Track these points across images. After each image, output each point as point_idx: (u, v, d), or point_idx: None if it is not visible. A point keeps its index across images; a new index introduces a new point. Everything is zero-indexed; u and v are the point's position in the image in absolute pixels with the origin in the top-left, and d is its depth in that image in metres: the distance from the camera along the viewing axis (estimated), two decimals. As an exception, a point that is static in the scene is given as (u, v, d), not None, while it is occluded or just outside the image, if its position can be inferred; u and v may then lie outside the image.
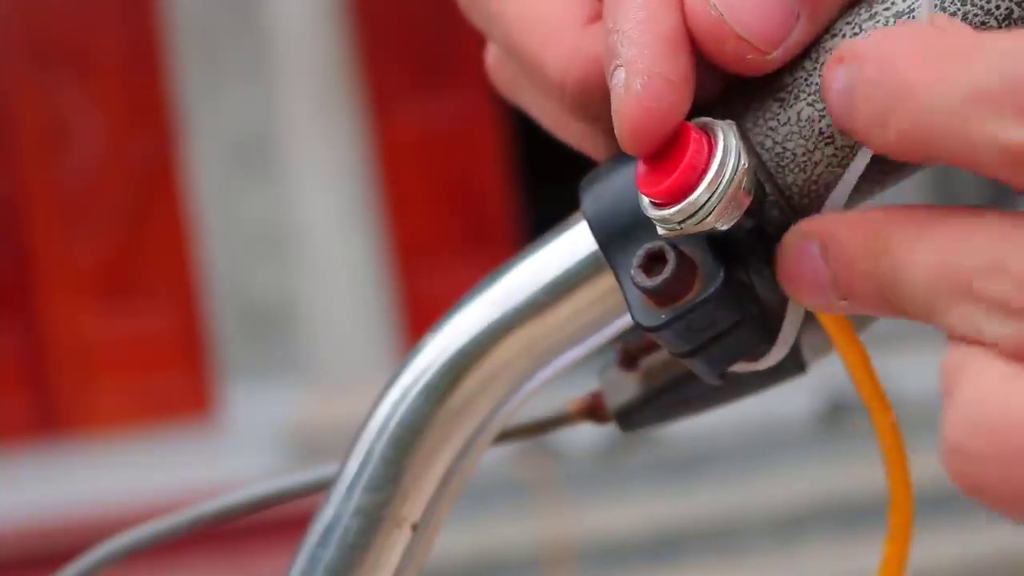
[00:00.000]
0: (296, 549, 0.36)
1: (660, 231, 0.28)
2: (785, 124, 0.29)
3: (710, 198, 0.27)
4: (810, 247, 0.27)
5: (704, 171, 0.27)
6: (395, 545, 0.35)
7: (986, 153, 0.23)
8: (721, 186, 0.27)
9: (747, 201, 0.27)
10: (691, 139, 0.27)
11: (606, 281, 0.33)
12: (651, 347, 0.40)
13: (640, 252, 0.29)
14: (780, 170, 0.29)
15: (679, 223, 0.27)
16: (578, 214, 0.33)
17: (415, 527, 0.35)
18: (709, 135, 0.28)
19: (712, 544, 3.72)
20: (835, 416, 3.93)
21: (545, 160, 5.80)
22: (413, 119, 5.08)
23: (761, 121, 0.29)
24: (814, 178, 0.29)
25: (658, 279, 0.28)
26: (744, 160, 0.27)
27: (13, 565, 3.95)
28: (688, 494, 3.83)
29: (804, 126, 0.29)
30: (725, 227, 0.27)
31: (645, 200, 0.28)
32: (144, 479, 4.25)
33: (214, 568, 3.83)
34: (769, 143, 0.29)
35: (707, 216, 0.27)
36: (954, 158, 0.24)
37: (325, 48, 4.68)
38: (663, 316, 0.28)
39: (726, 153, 0.27)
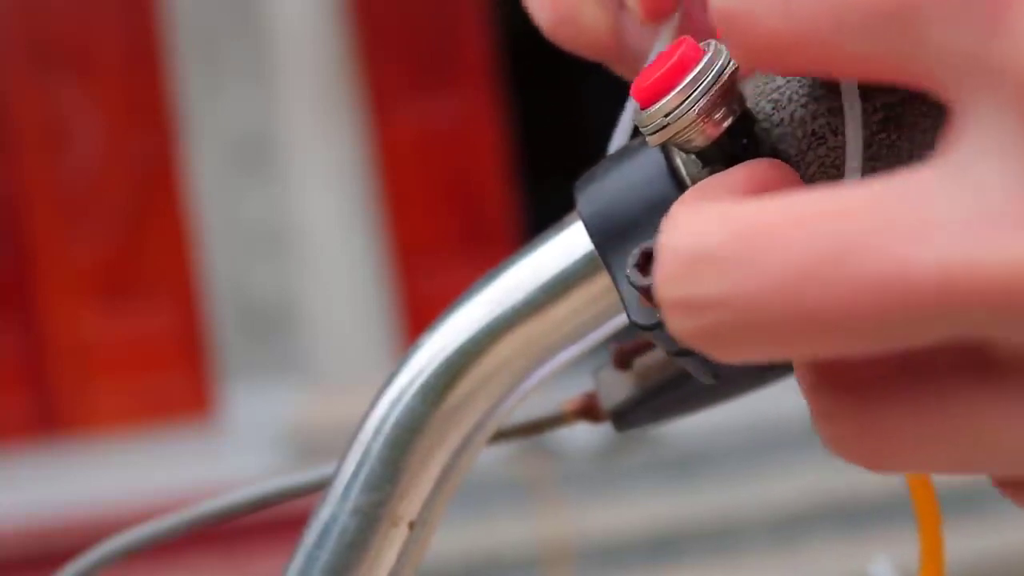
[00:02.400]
0: (294, 549, 0.36)
1: (647, 138, 0.29)
2: (778, 126, 0.29)
3: (684, 100, 0.27)
4: None
5: (685, 76, 0.28)
6: (393, 544, 0.36)
7: None
8: (698, 90, 0.27)
9: (726, 119, 0.28)
10: (681, 50, 0.28)
11: (602, 281, 0.33)
12: (645, 347, 0.40)
13: (636, 251, 0.29)
14: None
15: (650, 125, 0.28)
16: (574, 214, 0.33)
17: (412, 525, 0.35)
18: (703, 49, 0.28)
19: (712, 544, 3.72)
20: (835, 416, 3.93)
21: (544, 160, 5.82)
22: (413, 119, 5.09)
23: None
24: (807, 178, 0.29)
25: (653, 278, 0.28)
26: (725, 73, 0.28)
27: (13, 565, 3.95)
28: (688, 494, 3.84)
29: (797, 127, 0.29)
30: (703, 141, 0.28)
31: (636, 106, 0.29)
32: (144, 479, 4.26)
33: (214, 568, 3.83)
34: (766, 147, 0.29)
35: (680, 118, 0.27)
36: None
37: (325, 48, 4.69)
38: (658, 315, 0.29)
39: (710, 63, 0.28)
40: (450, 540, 3.54)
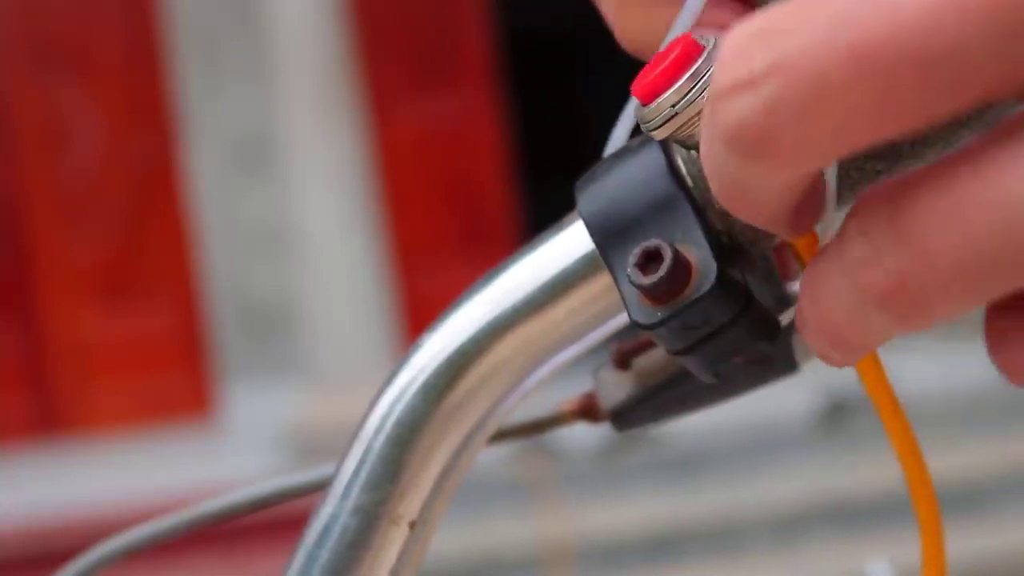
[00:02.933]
0: (293, 548, 0.36)
1: (651, 133, 0.28)
2: None
3: (683, 97, 0.27)
4: None
5: (683, 72, 0.27)
6: (393, 543, 0.35)
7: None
8: (696, 87, 0.27)
9: None
10: (682, 44, 0.28)
11: (602, 280, 0.33)
12: (644, 347, 0.40)
13: (637, 250, 0.29)
14: None
15: (654, 119, 0.28)
16: (574, 213, 0.33)
17: (412, 525, 0.35)
18: (703, 45, 0.28)
19: (712, 544, 3.72)
20: (835, 416, 3.93)
21: (544, 160, 5.82)
22: (413, 119, 5.09)
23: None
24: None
25: (654, 277, 0.28)
26: None
27: (13, 565, 3.95)
28: (688, 494, 3.84)
29: None
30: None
31: (636, 102, 0.29)
32: (144, 479, 4.26)
33: (214, 568, 3.83)
34: None
35: (685, 110, 0.27)
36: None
37: (325, 48, 4.69)
38: (659, 314, 0.29)
39: (708, 60, 0.27)
40: (450, 540, 3.54)
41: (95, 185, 5.04)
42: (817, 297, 0.23)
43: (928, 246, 0.20)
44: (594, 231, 0.31)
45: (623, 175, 0.30)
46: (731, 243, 0.29)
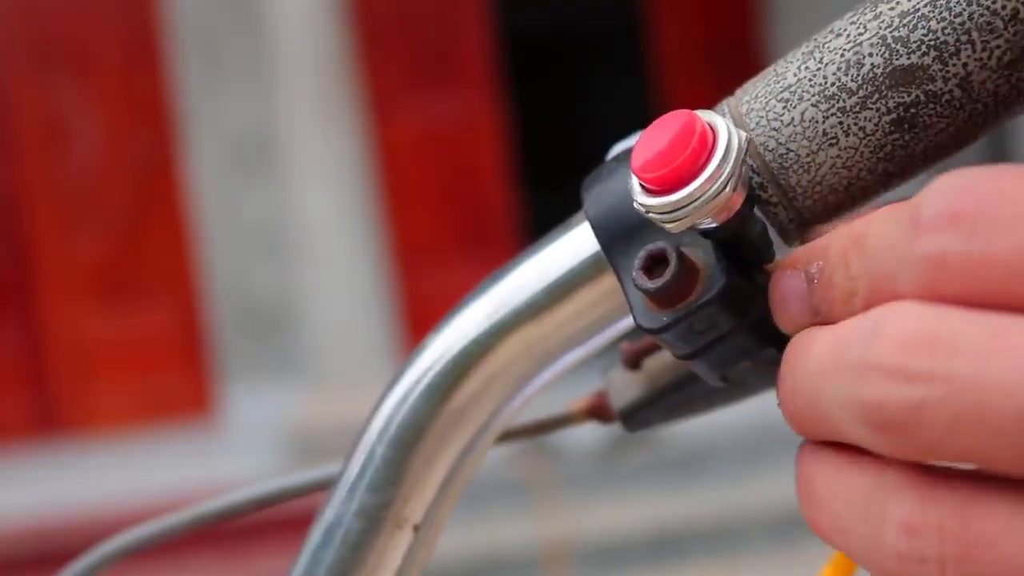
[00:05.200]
0: (298, 550, 0.36)
1: (642, 211, 0.28)
2: (789, 125, 0.29)
3: (701, 196, 0.26)
4: (797, 272, 0.26)
5: (702, 168, 0.27)
6: (397, 546, 0.35)
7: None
8: (714, 186, 0.26)
9: (738, 202, 0.27)
10: (695, 132, 0.27)
11: (608, 282, 0.33)
12: (655, 348, 0.39)
13: (642, 254, 0.28)
14: (784, 171, 0.29)
15: (665, 214, 0.27)
16: (580, 214, 0.33)
17: (417, 528, 0.35)
18: (714, 131, 0.27)
19: (712, 544, 3.72)
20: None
21: (544, 160, 5.80)
22: (413, 118, 5.09)
23: (765, 122, 0.29)
24: (818, 179, 0.29)
25: (659, 281, 0.28)
26: (743, 163, 0.27)
27: (13, 565, 3.95)
28: (688, 494, 3.83)
29: (808, 127, 0.29)
30: (712, 225, 0.27)
31: (635, 181, 0.28)
32: (144, 479, 4.26)
33: (214, 568, 3.83)
34: (773, 144, 0.29)
35: (693, 212, 0.27)
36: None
37: (325, 48, 4.68)
38: (664, 318, 0.28)
39: (727, 153, 0.27)
40: (451, 540, 3.54)
41: (95, 185, 5.04)
42: None
43: None
44: (600, 232, 0.30)
45: (629, 176, 0.30)
46: (737, 247, 0.29)
